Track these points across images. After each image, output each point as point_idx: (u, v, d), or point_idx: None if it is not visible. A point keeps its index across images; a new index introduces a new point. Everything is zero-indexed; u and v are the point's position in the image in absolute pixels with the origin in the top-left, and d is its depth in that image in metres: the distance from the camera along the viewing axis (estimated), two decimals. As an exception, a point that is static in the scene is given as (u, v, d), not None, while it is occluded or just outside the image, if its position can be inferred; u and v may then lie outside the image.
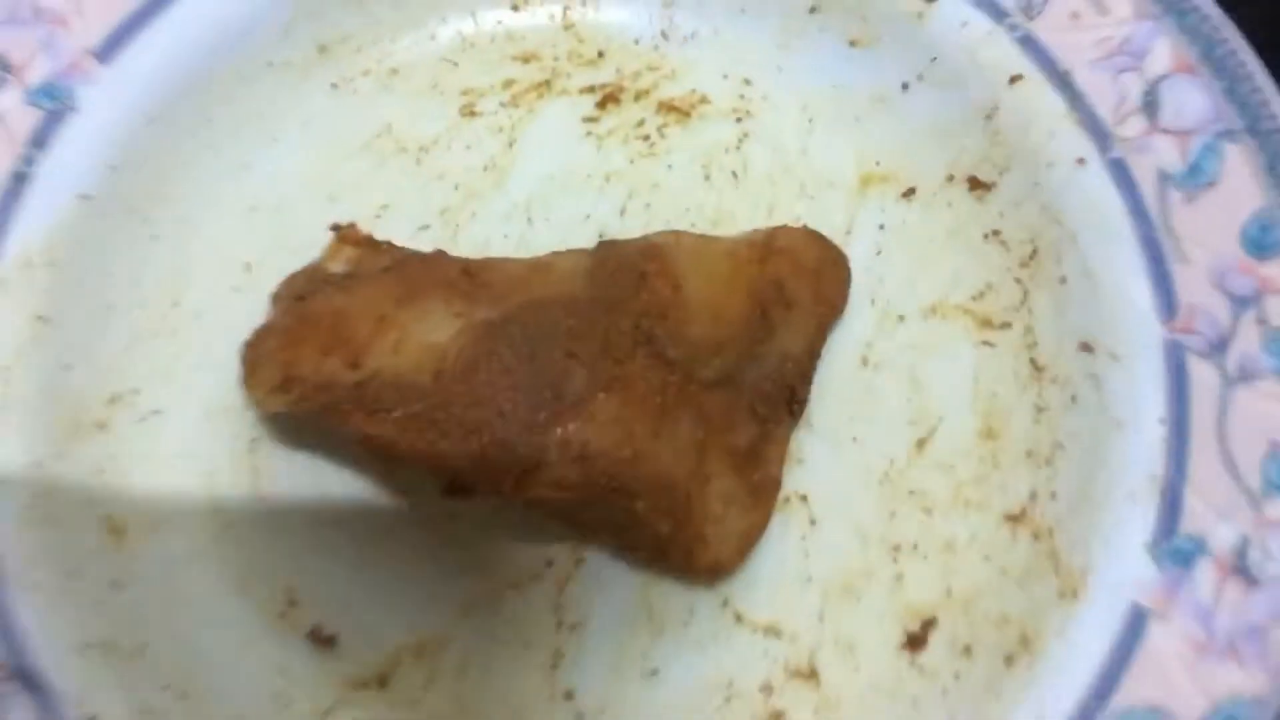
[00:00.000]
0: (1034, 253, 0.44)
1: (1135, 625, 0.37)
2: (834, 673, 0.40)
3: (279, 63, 0.46)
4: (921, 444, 0.43)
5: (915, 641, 0.40)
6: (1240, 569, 0.36)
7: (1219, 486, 0.38)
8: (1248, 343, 0.40)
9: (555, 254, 0.40)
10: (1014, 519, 0.41)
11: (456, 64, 0.48)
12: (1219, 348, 0.40)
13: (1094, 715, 0.35)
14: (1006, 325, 0.44)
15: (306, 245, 0.43)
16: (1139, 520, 0.38)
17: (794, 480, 0.42)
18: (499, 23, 0.48)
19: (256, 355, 0.38)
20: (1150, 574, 0.37)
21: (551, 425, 0.36)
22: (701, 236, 0.41)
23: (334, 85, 0.47)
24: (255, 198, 0.45)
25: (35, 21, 0.42)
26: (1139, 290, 0.41)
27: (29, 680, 0.34)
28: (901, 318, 0.44)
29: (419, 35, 0.48)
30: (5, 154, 0.41)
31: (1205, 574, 0.37)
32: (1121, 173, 0.43)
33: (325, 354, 0.36)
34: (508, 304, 0.37)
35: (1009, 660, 0.38)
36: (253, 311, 0.42)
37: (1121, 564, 0.38)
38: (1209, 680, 0.35)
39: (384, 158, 0.46)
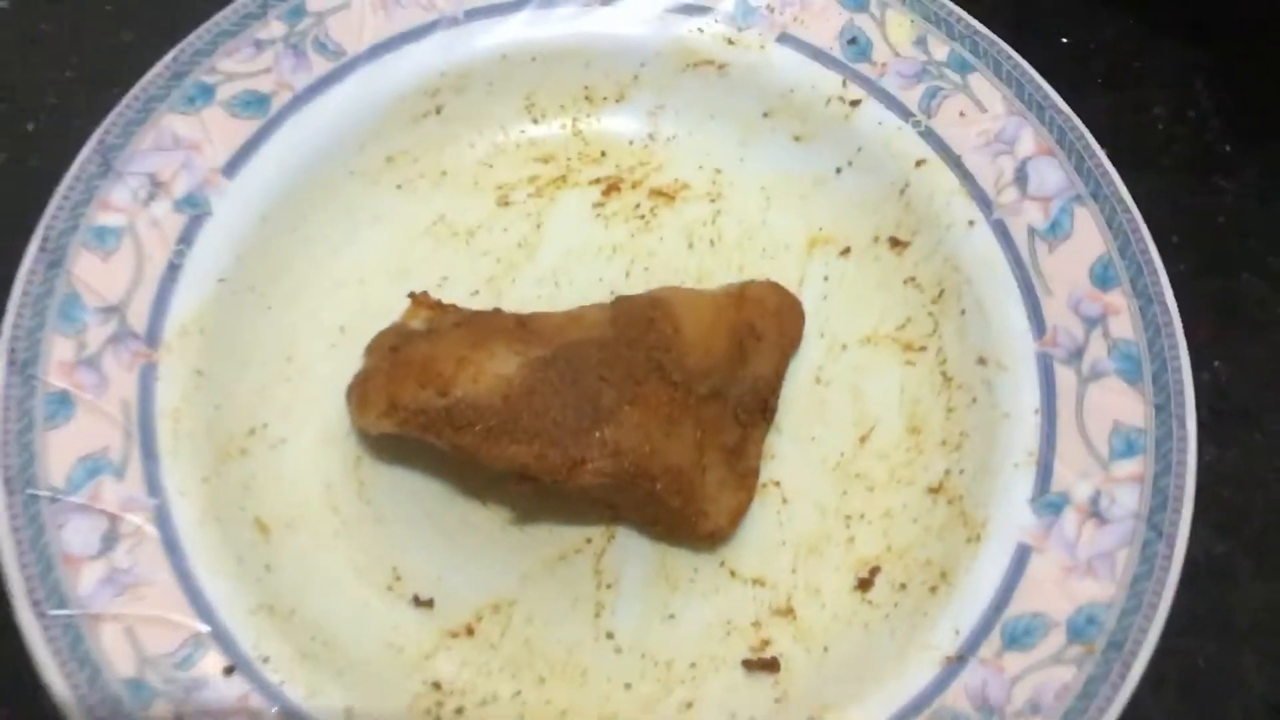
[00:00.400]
0: (941, 293, 0.53)
1: (1021, 558, 0.45)
2: (806, 610, 0.48)
3: (357, 171, 0.54)
4: (864, 439, 0.51)
5: (865, 584, 0.48)
6: (1095, 513, 0.46)
7: (1078, 456, 0.47)
8: (1097, 351, 0.49)
9: (583, 307, 0.50)
10: (934, 490, 0.49)
11: (492, 165, 0.56)
12: (1076, 356, 0.49)
13: (994, 623, 0.44)
14: (923, 348, 0.53)
15: (385, 311, 0.51)
16: (1022, 483, 0.47)
17: (769, 471, 0.50)
18: (522, 132, 0.57)
19: (364, 392, 0.48)
20: (1031, 521, 0.46)
21: (591, 430, 0.45)
22: (691, 290, 0.51)
23: (399, 186, 0.55)
24: (344, 275, 0.53)
25: (176, 148, 0.51)
26: (1017, 317, 0.50)
27: (218, 635, 0.43)
28: (844, 346, 0.53)
29: (461, 145, 0.56)
30: (161, 250, 0.49)
31: (1070, 518, 0.46)
32: (1001, 230, 0.52)
33: (421, 387, 0.46)
34: (553, 345, 0.47)
35: (933, 590, 0.46)
36: (348, 363, 0.50)
37: (1011, 516, 0.46)
38: (1074, 592, 0.44)
39: (440, 241, 0.55)
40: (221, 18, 0.54)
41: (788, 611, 0.48)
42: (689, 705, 0.46)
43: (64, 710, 0.42)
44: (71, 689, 0.41)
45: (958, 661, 0.44)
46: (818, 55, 0.56)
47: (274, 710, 0.42)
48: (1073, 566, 0.45)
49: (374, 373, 0.49)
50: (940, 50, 0.55)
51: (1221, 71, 0.64)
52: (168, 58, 0.53)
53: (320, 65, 0.54)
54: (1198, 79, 0.64)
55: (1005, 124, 0.54)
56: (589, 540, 0.50)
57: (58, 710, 0.42)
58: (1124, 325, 0.49)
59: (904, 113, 0.55)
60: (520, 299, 0.54)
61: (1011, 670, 0.44)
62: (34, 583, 0.43)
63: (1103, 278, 0.50)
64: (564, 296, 0.54)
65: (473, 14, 0.56)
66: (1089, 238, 0.51)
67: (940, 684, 0.44)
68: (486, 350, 0.47)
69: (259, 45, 0.54)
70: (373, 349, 0.50)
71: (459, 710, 0.46)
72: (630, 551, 0.49)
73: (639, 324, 0.48)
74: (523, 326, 0.48)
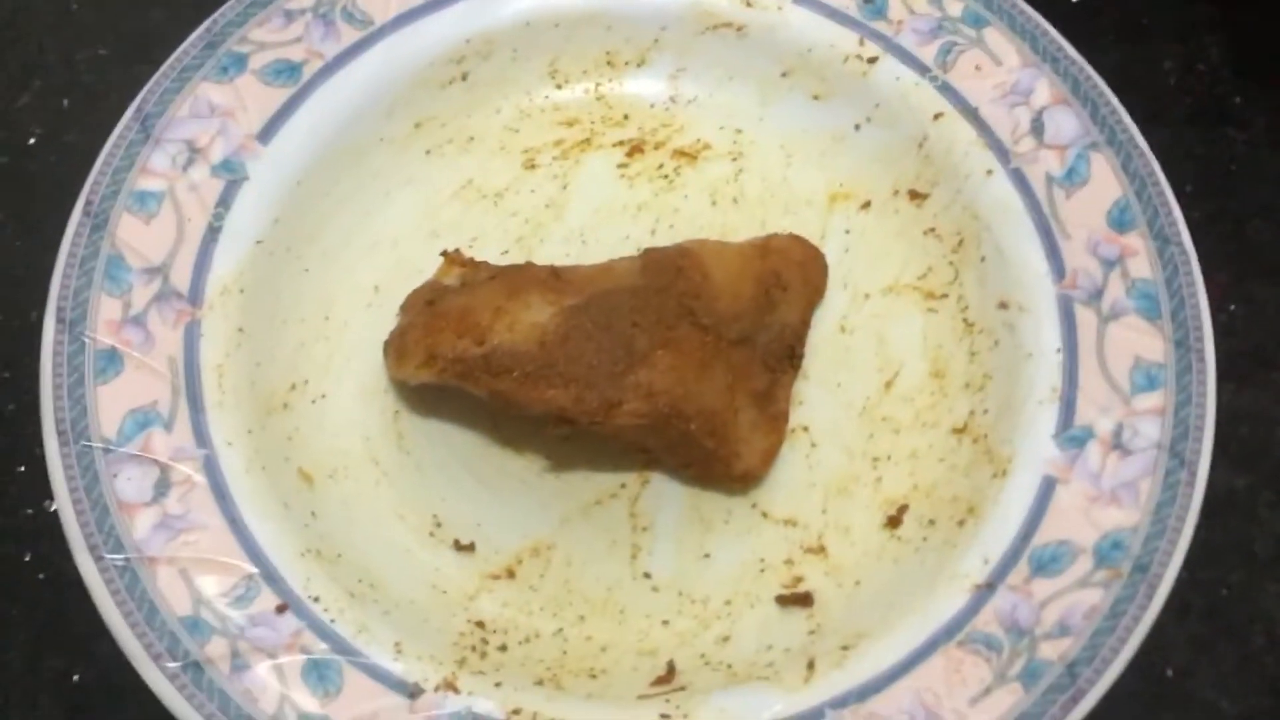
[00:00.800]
0: (960, 242, 0.53)
1: (1047, 490, 0.46)
2: (837, 548, 0.49)
3: (386, 138, 0.56)
4: (889, 385, 0.52)
5: (894, 521, 0.49)
6: (1117, 444, 0.46)
7: (1100, 391, 0.47)
8: (1115, 292, 0.49)
9: (613, 260, 0.51)
10: (959, 431, 0.50)
11: (518, 130, 0.58)
12: (1095, 296, 0.49)
13: (1021, 552, 0.45)
14: (945, 295, 0.53)
15: (418, 271, 0.53)
16: (1046, 419, 0.47)
17: (798, 416, 0.51)
18: (547, 98, 0.58)
19: (402, 345, 0.49)
20: (1056, 454, 0.46)
21: (626, 374, 0.46)
22: (718, 242, 0.51)
23: (428, 151, 0.57)
24: (377, 237, 0.55)
25: (212, 115, 0.52)
26: (1037, 261, 0.50)
27: (269, 576, 0.45)
28: (867, 295, 0.54)
29: (487, 110, 0.58)
30: (201, 213, 0.50)
31: (1094, 451, 0.46)
32: (1019, 179, 0.52)
33: (458, 337, 0.47)
34: (586, 293, 0.48)
35: (961, 524, 0.47)
36: (383, 320, 0.52)
37: (1036, 450, 0.47)
38: (1099, 520, 0.45)
39: (470, 203, 0.56)
40: (252, -11, 0.56)
41: (819, 549, 0.49)
42: (726, 639, 0.48)
43: (123, 648, 0.43)
44: (130, 627, 0.43)
45: (987, 588, 0.45)
46: (834, 14, 0.57)
47: (324, 646, 0.44)
48: (1097, 496, 0.46)
49: (411, 326, 0.50)
50: (955, 6, 0.56)
51: (1230, 25, 0.65)
52: (201, 28, 0.55)
53: (349, 34, 0.56)
54: (1207, 33, 0.65)
55: (1020, 76, 0.54)
56: (623, 485, 0.51)
57: (112, 659, 0.44)
58: (1142, 265, 0.50)
59: (921, 68, 0.55)
60: (549, 257, 0.54)
61: (1040, 595, 0.45)
62: (90, 529, 0.45)
63: (1120, 221, 0.51)
64: (592, 253, 0.55)
65: (496, -19, 0.57)
66: (1105, 182, 0.52)
67: (971, 610, 0.45)
68: (521, 300, 0.48)
69: (289, 15, 0.56)
70: (408, 305, 0.52)
71: (503, 647, 0.47)
72: (664, 496, 0.50)
73: (668, 272, 0.49)
74: (556, 277, 0.50)
